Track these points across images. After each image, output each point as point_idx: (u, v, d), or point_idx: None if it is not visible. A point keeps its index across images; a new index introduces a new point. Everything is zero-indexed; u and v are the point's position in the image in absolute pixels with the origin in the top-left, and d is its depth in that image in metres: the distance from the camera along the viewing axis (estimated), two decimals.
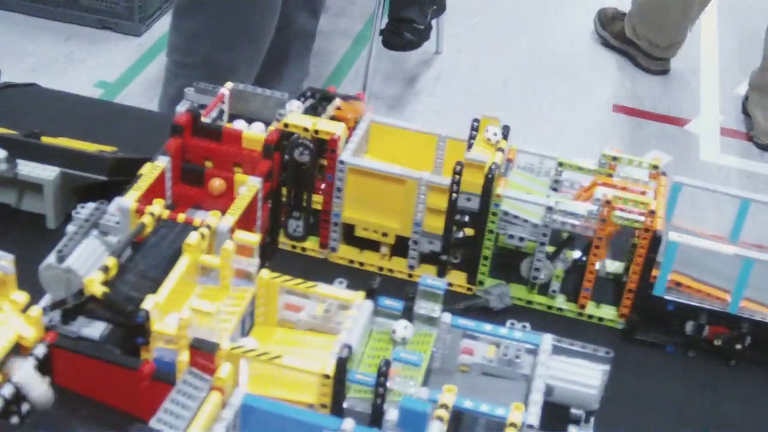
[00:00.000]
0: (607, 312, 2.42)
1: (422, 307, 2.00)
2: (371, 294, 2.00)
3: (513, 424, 1.78)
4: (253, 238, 1.96)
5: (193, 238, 1.96)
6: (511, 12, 4.79)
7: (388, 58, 4.26)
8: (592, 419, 2.06)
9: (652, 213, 2.26)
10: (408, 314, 1.98)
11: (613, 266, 2.53)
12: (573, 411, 2.05)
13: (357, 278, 2.25)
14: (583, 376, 2.04)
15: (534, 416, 1.83)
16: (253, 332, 2.02)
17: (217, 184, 2.31)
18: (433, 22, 4.16)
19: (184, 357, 1.76)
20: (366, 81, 3.99)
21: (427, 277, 1.99)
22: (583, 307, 2.40)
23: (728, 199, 2.43)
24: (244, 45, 3.57)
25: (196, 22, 3.57)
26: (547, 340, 2.00)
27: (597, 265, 2.37)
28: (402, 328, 1.95)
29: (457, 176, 2.28)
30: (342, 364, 1.75)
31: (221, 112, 2.47)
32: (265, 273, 1.97)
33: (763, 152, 4.02)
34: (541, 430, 1.84)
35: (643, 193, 2.37)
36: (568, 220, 2.30)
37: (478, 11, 4.79)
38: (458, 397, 1.79)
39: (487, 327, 2.01)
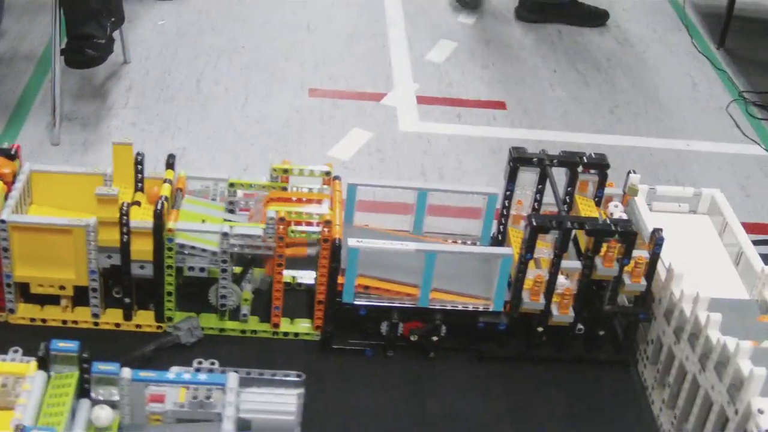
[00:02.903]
0: (303, 326, 2.39)
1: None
2: (43, 363, 1.91)
3: None
4: None
5: None
6: (197, 10, 4.69)
7: (76, 77, 4.11)
8: None
9: (328, 223, 2.23)
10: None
11: (308, 277, 2.49)
12: None
13: (41, 337, 2.15)
14: (277, 404, 2.01)
15: None
16: None
17: None
18: (116, 34, 4.03)
19: None
20: (54, 104, 3.82)
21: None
22: (276, 325, 2.36)
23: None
24: None
25: None
26: (233, 378, 1.94)
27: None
28: (104, 417, 1.89)
29: (125, 217, 2.19)
30: None
31: None
32: None
33: (460, 114, 4.06)
34: None
35: (319, 201, 2.34)
36: (246, 242, 2.25)
37: (163, 14, 4.67)
38: None
39: (171, 375, 1.94)
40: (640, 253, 2.29)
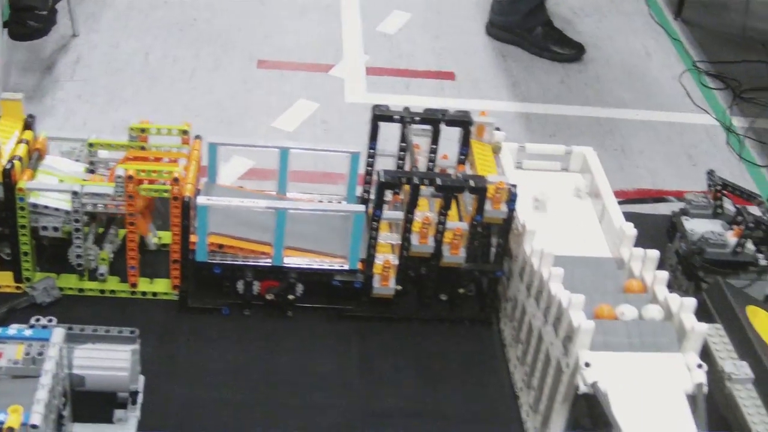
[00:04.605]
0: (162, 286, 2.39)
1: None
2: None
3: (11, 428, 1.75)
4: None
5: None
6: None
7: (24, 49, 4.14)
8: (138, 399, 2.05)
9: (176, 181, 2.23)
10: None
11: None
12: (119, 394, 2.04)
13: None
14: (111, 360, 2.01)
15: (38, 415, 1.80)
16: None
17: None
18: (62, 6, 4.04)
19: None
20: None
21: None
22: (134, 285, 2.37)
23: None
24: None
25: None
26: (58, 333, 1.94)
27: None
28: None
29: None
30: None
31: None
32: None
33: (409, 85, 4.04)
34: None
35: (175, 160, 2.33)
36: (97, 201, 2.25)
37: None
38: None
39: None
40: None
